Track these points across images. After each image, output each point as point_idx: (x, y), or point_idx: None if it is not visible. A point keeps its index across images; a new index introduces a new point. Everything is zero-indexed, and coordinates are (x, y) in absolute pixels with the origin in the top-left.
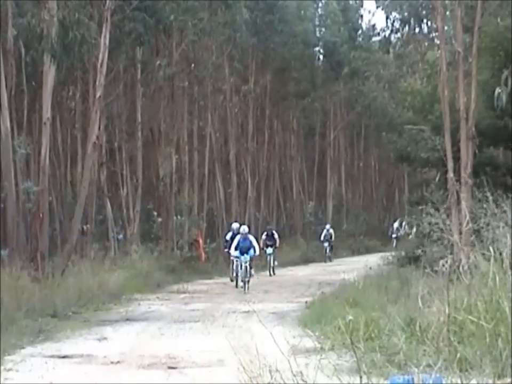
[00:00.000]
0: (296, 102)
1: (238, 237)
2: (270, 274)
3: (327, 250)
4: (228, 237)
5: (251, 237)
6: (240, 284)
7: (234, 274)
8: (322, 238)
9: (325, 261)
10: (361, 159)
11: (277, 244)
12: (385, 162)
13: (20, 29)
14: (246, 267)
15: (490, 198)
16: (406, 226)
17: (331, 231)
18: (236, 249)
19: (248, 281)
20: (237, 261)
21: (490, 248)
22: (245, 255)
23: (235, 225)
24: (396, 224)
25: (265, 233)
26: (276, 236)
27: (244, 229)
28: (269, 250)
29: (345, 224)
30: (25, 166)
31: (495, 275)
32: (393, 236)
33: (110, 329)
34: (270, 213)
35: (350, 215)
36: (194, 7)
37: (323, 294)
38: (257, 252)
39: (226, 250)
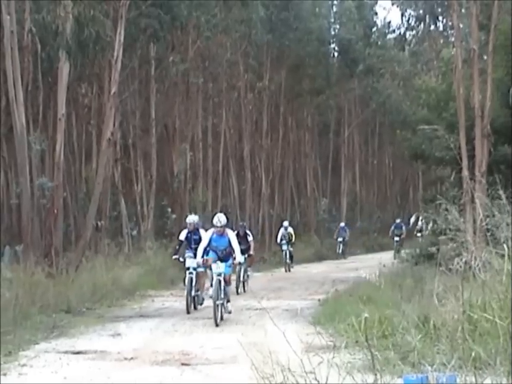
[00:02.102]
0: (310, 99)
1: (208, 233)
2: (238, 292)
3: (286, 255)
4: (182, 236)
5: (230, 234)
6: (197, 308)
7: (187, 293)
8: (279, 239)
9: (285, 270)
10: (375, 156)
11: (251, 250)
12: (400, 160)
13: (36, 25)
14: (219, 281)
15: (504, 195)
16: (424, 222)
17: (290, 229)
18: (204, 252)
19: (223, 304)
20: (191, 273)
21: (504, 246)
22: (218, 262)
23: (191, 219)
24: (412, 219)
25: (235, 232)
26: (250, 237)
27: (220, 219)
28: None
29: (359, 221)
30: (40, 162)
31: (509, 273)
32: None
33: (123, 326)
34: (284, 210)
35: (364, 212)
36: (208, 3)
37: (337, 291)
38: (237, 258)
39: (175, 257)
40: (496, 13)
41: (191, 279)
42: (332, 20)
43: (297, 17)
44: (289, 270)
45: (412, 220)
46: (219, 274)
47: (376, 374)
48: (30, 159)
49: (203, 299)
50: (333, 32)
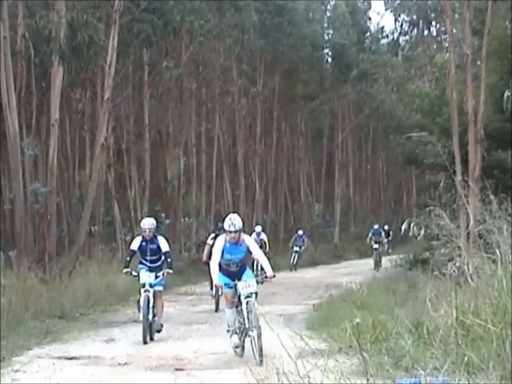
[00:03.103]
0: (304, 104)
1: (220, 242)
2: (217, 310)
3: (258, 266)
4: (135, 245)
5: (248, 240)
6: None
7: (144, 318)
8: None
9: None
10: (369, 161)
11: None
12: (393, 165)
13: (28, 30)
14: (248, 303)
15: (495, 200)
16: (415, 228)
17: (263, 236)
18: (220, 268)
19: (259, 336)
20: (147, 291)
21: (497, 251)
22: (247, 278)
23: (148, 223)
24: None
25: (211, 236)
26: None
27: (234, 221)
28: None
29: (352, 226)
30: (33, 167)
31: (502, 278)
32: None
33: (117, 331)
34: (278, 215)
35: (357, 217)
36: (201, 9)
37: (330, 297)
38: (269, 272)
39: (126, 270)
40: (490, 18)
41: (148, 298)
42: (326, 25)
43: (291, 22)
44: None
45: (404, 226)
46: (249, 296)
47: (369, 379)
48: (23, 165)
49: (161, 325)
50: (326, 38)
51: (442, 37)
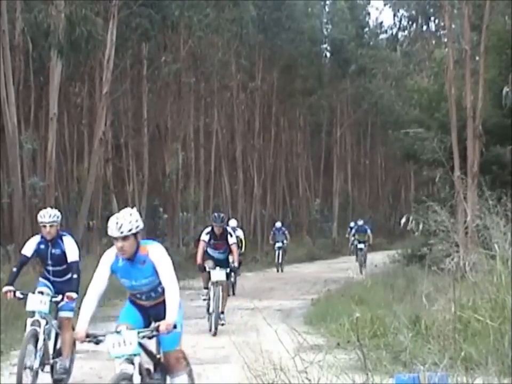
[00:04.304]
0: (302, 99)
1: (107, 256)
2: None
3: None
4: (29, 249)
5: (156, 256)
6: None
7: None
8: None
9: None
10: (367, 156)
11: (235, 259)
12: (392, 160)
13: (27, 24)
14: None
15: (493, 196)
16: (413, 223)
17: (239, 232)
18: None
19: None
20: (35, 323)
21: (496, 246)
22: (154, 322)
23: (50, 216)
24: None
25: (205, 230)
26: (233, 238)
27: (119, 220)
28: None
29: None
30: (31, 162)
31: (501, 273)
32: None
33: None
34: (276, 210)
35: (356, 212)
36: (199, 3)
37: (328, 292)
38: (169, 318)
39: (6, 288)
40: (488, 14)
41: (36, 335)
42: (324, 20)
43: (290, 17)
44: (233, 293)
45: (403, 220)
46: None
47: (367, 374)
48: (21, 159)
49: (66, 370)
50: (325, 32)
51: (441, 32)
